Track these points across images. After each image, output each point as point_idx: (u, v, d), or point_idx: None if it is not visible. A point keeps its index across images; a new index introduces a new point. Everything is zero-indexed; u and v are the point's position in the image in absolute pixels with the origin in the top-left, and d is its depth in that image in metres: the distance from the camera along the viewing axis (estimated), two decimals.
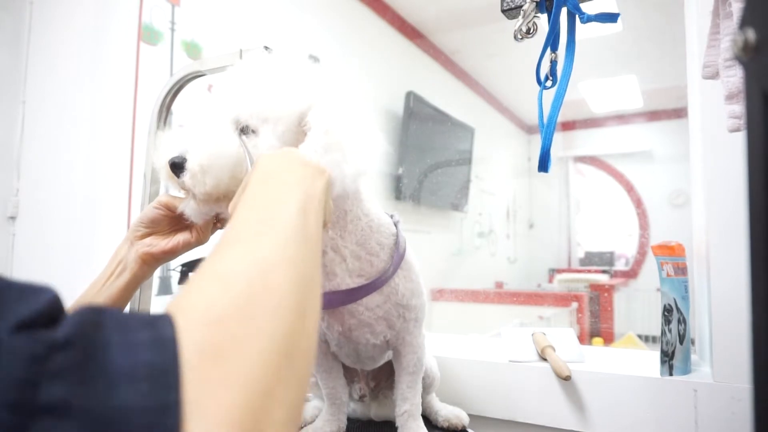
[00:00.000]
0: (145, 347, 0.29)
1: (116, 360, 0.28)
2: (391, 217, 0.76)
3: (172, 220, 0.70)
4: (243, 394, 0.29)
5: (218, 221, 0.71)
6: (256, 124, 0.61)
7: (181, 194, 0.65)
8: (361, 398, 0.88)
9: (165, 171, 0.62)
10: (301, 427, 0.85)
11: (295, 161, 0.51)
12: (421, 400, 0.78)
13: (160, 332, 0.31)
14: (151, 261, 0.69)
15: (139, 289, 1.05)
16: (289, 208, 0.42)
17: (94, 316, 0.30)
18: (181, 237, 0.70)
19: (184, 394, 0.28)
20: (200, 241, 0.71)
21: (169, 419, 0.27)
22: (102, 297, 0.67)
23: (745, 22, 0.26)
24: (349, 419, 0.84)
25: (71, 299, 1.66)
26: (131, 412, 0.26)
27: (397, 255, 0.72)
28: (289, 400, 0.32)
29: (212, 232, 0.73)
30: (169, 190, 0.67)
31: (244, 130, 0.61)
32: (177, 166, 0.59)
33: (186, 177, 0.59)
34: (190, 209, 0.63)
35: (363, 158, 0.59)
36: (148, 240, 0.70)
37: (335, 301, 0.70)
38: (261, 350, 0.31)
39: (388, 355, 0.82)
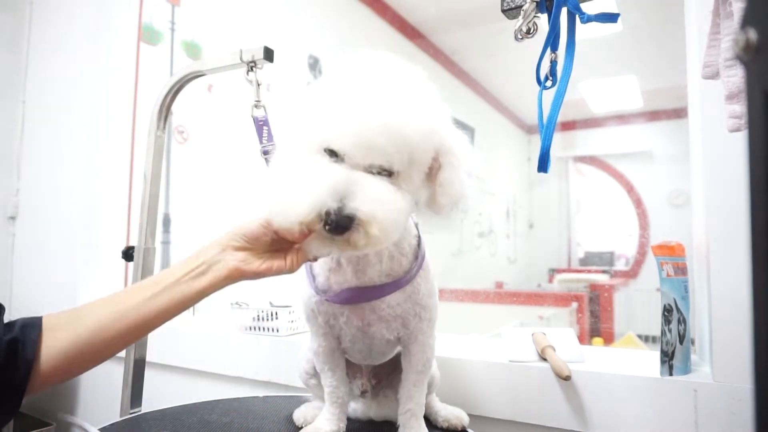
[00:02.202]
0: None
1: None
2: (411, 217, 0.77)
3: (273, 242, 0.66)
4: None
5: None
6: (404, 169, 0.59)
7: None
8: (363, 393, 0.88)
9: (310, 222, 0.56)
10: (301, 427, 0.85)
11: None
12: (424, 401, 0.79)
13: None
14: (238, 277, 0.66)
15: (140, 276, 1.05)
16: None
17: None
18: (276, 263, 0.66)
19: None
20: (292, 270, 0.67)
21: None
22: (175, 293, 0.65)
23: (746, 22, 0.26)
24: (349, 419, 0.84)
25: (71, 299, 1.66)
26: None
27: (420, 256, 0.74)
28: None
29: (306, 261, 0.69)
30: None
31: (388, 174, 0.58)
32: (342, 224, 0.55)
33: (356, 235, 0.55)
34: (316, 249, 0.61)
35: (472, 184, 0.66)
36: (242, 255, 0.66)
37: (361, 297, 0.71)
38: None
39: (395, 351, 0.82)
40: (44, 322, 0.63)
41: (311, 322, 0.78)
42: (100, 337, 0.62)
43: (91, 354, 0.63)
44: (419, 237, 0.75)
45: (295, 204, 0.56)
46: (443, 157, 0.63)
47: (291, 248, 0.67)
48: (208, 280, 0.65)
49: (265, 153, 0.84)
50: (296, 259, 0.66)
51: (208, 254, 0.66)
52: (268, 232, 0.65)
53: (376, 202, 0.56)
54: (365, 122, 0.56)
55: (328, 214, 0.55)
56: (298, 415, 0.89)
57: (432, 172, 0.64)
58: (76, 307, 0.65)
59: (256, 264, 0.65)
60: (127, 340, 0.65)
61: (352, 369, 0.88)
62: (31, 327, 0.62)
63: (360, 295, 0.71)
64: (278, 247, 0.67)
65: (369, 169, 0.57)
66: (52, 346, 0.61)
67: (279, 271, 0.66)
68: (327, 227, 0.55)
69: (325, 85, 0.63)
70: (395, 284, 0.71)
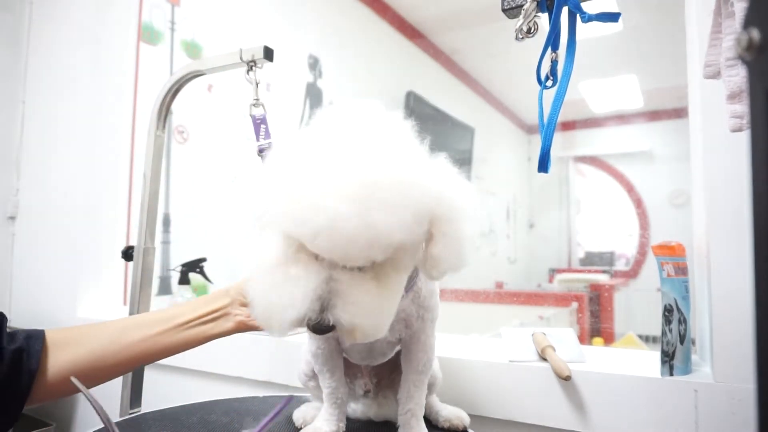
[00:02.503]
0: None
1: None
2: None
3: None
4: None
5: None
6: (388, 255, 0.53)
7: None
8: (366, 393, 0.88)
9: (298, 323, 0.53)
10: (300, 428, 0.85)
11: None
12: (425, 401, 0.78)
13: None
14: (244, 329, 0.69)
15: (138, 289, 1.05)
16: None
17: None
18: None
19: None
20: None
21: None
22: (183, 335, 0.67)
23: (749, 22, 0.26)
24: (348, 419, 0.84)
25: (71, 299, 1.66)
26: None
27: None
28: None
29: None
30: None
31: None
32: (323, 331, 0.52)
33: (343, 336, 0.54)
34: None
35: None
36: (248, 310, 0.68)
37: None
38: None
39: (395, 351, 0.82)
40: (47, 336, 0.64)
41: None
42: (100, 364, 0.64)
43: (89, 377, 0.63)
44: None
45: (277, 316, 0.53)
46: (435, 226, 0.56)
47: None
48: (217, 329, 0.68)
49: (261, 151, 0.83)
50: None
51: (218, 303, 0.68)
52: None
53: (356, 310, 0.52)
54: (336, 230, 0.48)
55: (309, 320, 0.52)
56: (298, 416, 0.89)
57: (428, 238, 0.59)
58: (79, 327, 0.66)
59: None
60: (126, 370, 0.66)
61: (352, 369, 0.88)
62: (35, 338, 0.63)
63: None
64: None
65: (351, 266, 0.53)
66: (54, 361, 0.62)
67: None
68: (310, 329, 0.53)
69: (287, 164, 0.54)
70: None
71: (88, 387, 0.64)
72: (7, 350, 0.60)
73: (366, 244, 0.49)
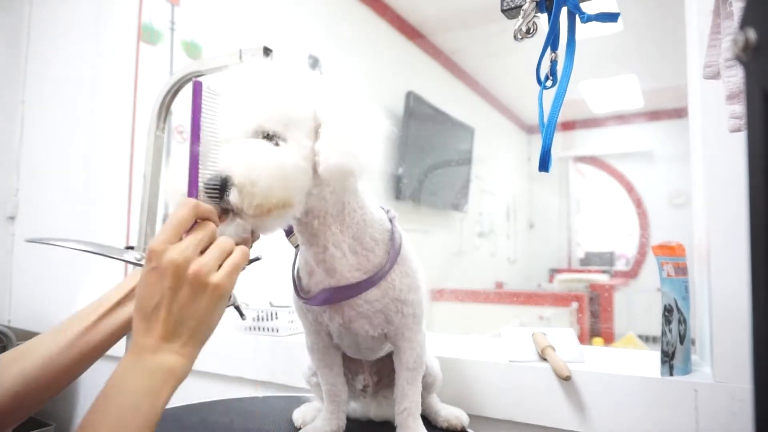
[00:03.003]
0: None
1: None
2: (387, 212, 0.76)
3: None
4: None
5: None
6: (281, 130, 0.59)
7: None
8: (365, 389, 0.88)
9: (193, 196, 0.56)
10: (300, 428, 0.85)
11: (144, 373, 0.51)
12: (420, 399, 0.78)
13: None
14: None
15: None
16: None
17: None
18: None
19: None
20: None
21: None
22: (119, 315, 0.65)
23: (745, 22, 0.26)
24: (348, 419, 0.84)
25: (71, 299, 1.66)
26: None
27: (393, 250, 0.72)
28: None
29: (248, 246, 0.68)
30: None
31: (269, 138, 0.58)
32: (218, 188, 0.55)
33: (232, 195, 0.55)
34: (233, 230, 0.59)
35: (373, 142, 0.62)
36: None
37: (335, 297, 0.71)
38: None
39: (388, 348, 0.82)
40: None
41: (302, 320, 0.79)
42: (49, 370, 0.61)
43: (39, 390, 0.61)
44: (392, 231, 0.74)
45: (178, 183, 0.57)
46: (321, 123, 0.61)
47: None
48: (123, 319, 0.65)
49: None
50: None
51: (136, 279, 0.66)
52: None
53: (247, 159, 0.55)
54: (234, 89, 0.59)
55: (205, 185, 0.55)
56: (297, 416, 0.89)
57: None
58: (28, 341, 0.64)
59: None
60: (79, 369, 0.63)
61: (354, 364, 0.88)
62: None
63: (333, 296, 0.71)
64: None
65: (248, 136, 0.58)
66: (2, 383, 0.59)
67: None
68: (210, 198, 0.55)
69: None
70: (368, 281, 0.70)
71: (44, 395, 0.62)
72: None
73: (256, 104, 0.58)
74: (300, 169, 0.59)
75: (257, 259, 0.73)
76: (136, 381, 0.49)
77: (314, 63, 2.59)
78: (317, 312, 0.75)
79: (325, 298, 0.71)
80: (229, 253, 0.55)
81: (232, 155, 0.56)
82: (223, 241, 0.55)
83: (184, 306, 0.51)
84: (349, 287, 0.70)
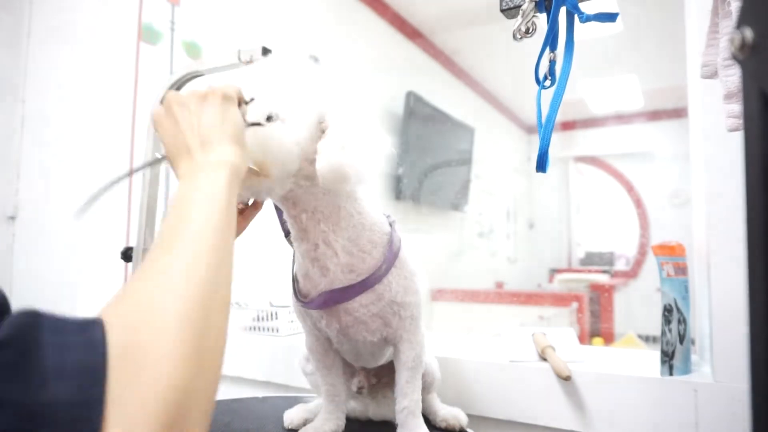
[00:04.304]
0: (76, 348, 0.34)
1: (48, 359, 0.32)
2: (387, 217, 0.77)
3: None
4: (161, 391, 0.34)
5: (251, 206, 0.71)
6: (281, 112, 0.61)
7: None
8: (359, 390, 0.88)
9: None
10: (290, 429, 0.85)
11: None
12: (420, 397, 0.78)
13: (91, 335, 0.35)
14: None
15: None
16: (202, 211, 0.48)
17: (31, 319, 0.36)
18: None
19: (109, 392, 0.32)
20: (239, 231, 0.70)
21: (92, 413, 0.31)
22: None
23: (742, 21, 0.26)
24: (348, 419, 0.84)
25: (71, 299, 1.66)
26: (58, 406, 0.30)
27: (390, 253, 0.72)
28: (202, 394, 0.37)
29: (246, 222, 0.71)
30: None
31: (269, 119, 0.60)
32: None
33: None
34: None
35: (373, 157, 0.64)
36: None
37: (330, 300, 0.71)
38: (176, 351, 0.36)
39: (390, 354, 0.82)
40: None
41: (302, 322, 0.80)
42: None
43: None
44: (391, 235, 0.74)
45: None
46: (328, 125, 0.64)
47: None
48: None
49: None
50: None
51: None
52: None
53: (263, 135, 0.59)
54: (248, 68, 0.66)
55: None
56: (287, 417, 0.88)
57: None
58: None
59: None
60: None
61: (350, 366, 0.88)
62: None
63: (330, 299, 0.71)
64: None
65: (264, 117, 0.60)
66: None
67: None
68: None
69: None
70: (363, 284, 0.70)
71: None
72: None
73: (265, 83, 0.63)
74: (286, 147, 0.61)
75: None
76: (199, 188, 0.50)
77: (314, 63, 2.59)
78: (315, 318, 0.75)
79: (322, 301, 0.71)
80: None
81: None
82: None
83: (198, 118, 0.55)
84: (344, 290, 0.70)
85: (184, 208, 0.48)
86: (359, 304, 0.71)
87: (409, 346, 0.76)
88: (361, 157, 0.63)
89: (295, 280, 0.77)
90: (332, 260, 0.70)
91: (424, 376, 0.85)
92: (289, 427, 0.86)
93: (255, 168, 0.60)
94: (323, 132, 0.64)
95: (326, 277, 0.70)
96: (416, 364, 0.77)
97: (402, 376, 0.77)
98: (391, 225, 0.76)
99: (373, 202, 0.75)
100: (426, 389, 0.87)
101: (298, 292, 0.75)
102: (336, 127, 0.64)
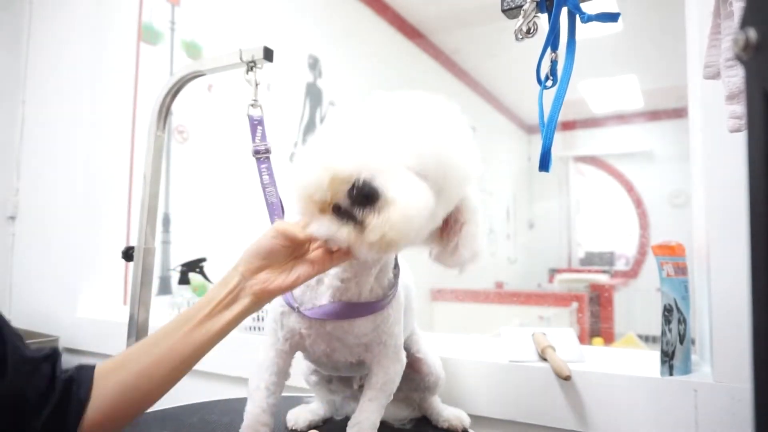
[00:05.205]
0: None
1: None
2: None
3: (290, 250, 0.63)
4: None
5: (336, 250, 0.62)
6: (438, 179, 0.56)
7: (301, 218, 0.59)
8: (360, 388, 0.88)
9: (330, 186, 0.53)
10: (294, 429, 0.85)
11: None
12: (378, 422, 0.73)
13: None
14: (266, 297, 0.63)
15: (138, 289, 1.05)
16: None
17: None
18: (302, 270, 0.62)
19: None
20: (320, 272, 0.64)
21: None
22: (209, 326, 0.63)
23: (746, 22, 0.26)
24: (347, 418, 0.84)
25: (71, 299, 1.65)
26: None
27: (396, 287, 0.72)
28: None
29: (331, 264, 0.64)
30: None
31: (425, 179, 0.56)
32: (369, 198, 0.52)
33: (374, 218, 0.53)
34: (321, 226, 0.56)
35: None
36: (263, 276, 0.62)
37: (336, 313, 0.69)
38: None
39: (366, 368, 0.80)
40: (97, 367, 0.63)
41: (271, 334, 0.75)
42: (145, 382, 0.62)
43: (139, 399, 0.63)
44: (397, 267, 0.73)
45: (325, 165, 0.54)
46: (468, 213, 0.64)
47: (310, 251, 0.64)
48: (238, 309, 0.63)
49: (257, 153, 0.82)
50: (319, 260, 0.63)
51: (231, 283, 0.63)
52: (281, 240, 0.61)
53: (404, 186, 0.53)
54: (410, 128, 0.57)
55: (356, 182, 0.52)
56: (291, 417, 0.88)
57: (448, 227, 0.64)
58: (123, 352, 0.65)
59: (281, 279, 0.62)
60: (171, 381, 0.64)
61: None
62: (86, 369, 0.63)
63: (338, 312, 0.68)
64: (298, 254, 0.63)
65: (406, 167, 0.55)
66: (102, 391, 0.61)
67: (307, 278, 0.63)
68: (351, 196, 0.53)
69: (372, 110, 0.63)
70: (372, 306, 0.69)
71: (139, 411, 0.63)
72: (59, 380, 0.61)
73: (425, 150, 0.56)
74: (434, 223, 0.60)
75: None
76: None
77: (314, 63, 2.59)
78: (297, 332, 0.71)
79: (326, 312, 0.69)
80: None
81: (391, 177, 0.53)
82: None
83: None
84: (355, 306, 0.68)
85: None
86: (353, 335, 0.70)
87: (383, 372, 0.73)
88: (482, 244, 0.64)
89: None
90: (348, 294, 0.69)
91: (427, 374, 0.85)
92: (293, 428, 0.85)
93: (399, 246, 0.55)
94: (459, 210, 0.63)
95: (331, 299, 0.69)
96: (385, 388, 0.73)
97: (366, 393, 0.73)
98: (396, 261, 0.74)
99: None
100: (430, 390, 0.87)
101: (291, 297, 0.72)
102: (474, 221, 0.64)
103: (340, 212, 0.55)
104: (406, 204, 0.52)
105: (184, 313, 0.66)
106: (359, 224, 0.54)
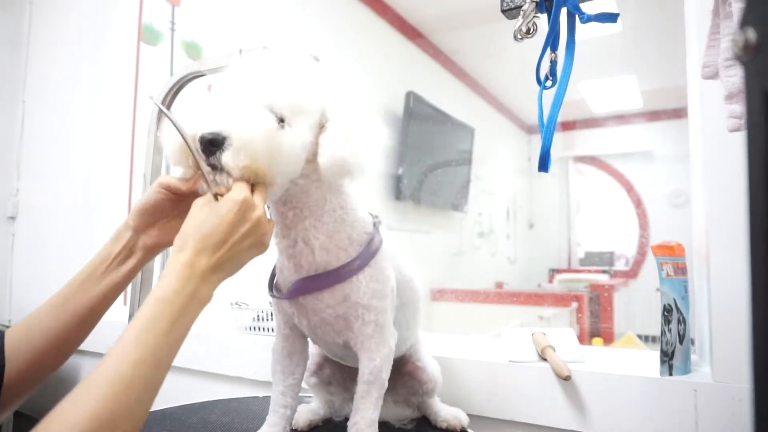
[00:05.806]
0: None
1: None
2: (374, 217, 0.75)
3: (176, 203, 0.68)
4: None
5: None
6: (289, 115, 0.62)
7: (187, 175, 0.65)
8: None
9: (191, 146, 0.59)
10: (295, 428, 0.85)
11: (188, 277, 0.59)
12: (376, 417, 0.72)
13: None
14: (158, 249, 0.70)
15: (138, 289, 1.05)
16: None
17: None
18: None
19: None
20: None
21: None
22: (106, 281, 0.67)
23: (745, 22, 0.26)
24: (346, 418, 0.84)
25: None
26: None
27: (367, 253, 0.70)
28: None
29: None
30: (170, 171, 0.66)
31: (282, 121, 0.62)
32: (213, 143, 0.58)
33: (226, 155, 0.58)
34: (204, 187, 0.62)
35: (373, 149, 0.66)
36: (154, 231, 0.69)
37: (298, 290, 0.69)
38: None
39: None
40: (6, 334, 0.65)
41: (276, 319, 0.78)
42: (54, 342, 0.65)
43: (51, 355, 0.65)
44: (373, 235, 0.72)
45: (175, 136, 0.61)
46: (329, 119, 0.66)
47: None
48: (133, 263, 0.69)
49: None
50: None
51: (123, 239, 0.68)
52: (165, 194, 0.67)
53: (242, 121, 0.58)
54: (248, 63, 0.65)
55: (201, 138, 0.58)
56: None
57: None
58: (31, 314, 0.67)
59: (171, 235, 0.65)
60: (81, 337, 0.68)
61: (352, 371, 0.87)
62: None
63: (298, 289, 0.69)
64: (186, 207, 0.66)
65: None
66: (15, 354, 0.63)
67: None
68: (205, 150, 0.59)
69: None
70: (330, 276, 0.68)
71: (57, 362, 0.66)
72: None
73: (268, 79, 0.63)
74: (295, 155, 0.62)
75: None
76: (183, 301, 0.57)
77: (311, 58, 2.59)
78: (289, 314, 0.74)
79: (291, 291, 0.70)
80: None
81: (234, 119, 0.59)
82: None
83: (240, 251, 0.60)
84: (312, 278, 0.69)
85: (163, 313, 0.57)
86: (325, 305, 0.69)
87: (368, 357, 0.70)
88: (362, 149, 0.64)
89: (273, 275, 0.76)
90: (307, 258, 0.69)
91: (426, 382, 0.84)
92: (294, 428, 0.85)
93: (261, 179, 0.60)
94: (323, 126, 0.65)
95: (299, 274, 0.69)
96: (373, 379, 0.70)
97: (358, 390, 0.71)
98: (375, 225, 0.74)
99: (360, 200, 0.74)
100: (428, 394, 0.87)
101: (273, 287, 0.75)
102: (337, 121, 0.65)
103: (211, 166, 0.61)
104: (242, 133, 0.58)
105: (81, 270, 0.69)
106: (222, 168, 0.59)
